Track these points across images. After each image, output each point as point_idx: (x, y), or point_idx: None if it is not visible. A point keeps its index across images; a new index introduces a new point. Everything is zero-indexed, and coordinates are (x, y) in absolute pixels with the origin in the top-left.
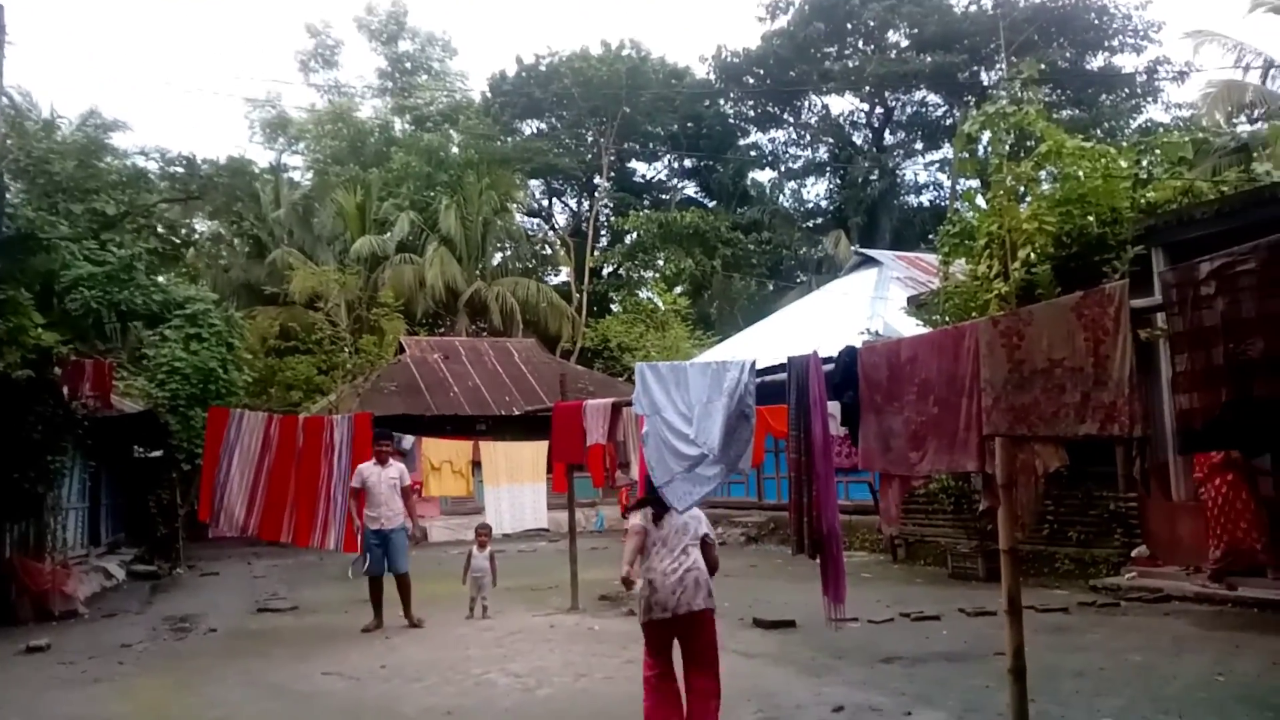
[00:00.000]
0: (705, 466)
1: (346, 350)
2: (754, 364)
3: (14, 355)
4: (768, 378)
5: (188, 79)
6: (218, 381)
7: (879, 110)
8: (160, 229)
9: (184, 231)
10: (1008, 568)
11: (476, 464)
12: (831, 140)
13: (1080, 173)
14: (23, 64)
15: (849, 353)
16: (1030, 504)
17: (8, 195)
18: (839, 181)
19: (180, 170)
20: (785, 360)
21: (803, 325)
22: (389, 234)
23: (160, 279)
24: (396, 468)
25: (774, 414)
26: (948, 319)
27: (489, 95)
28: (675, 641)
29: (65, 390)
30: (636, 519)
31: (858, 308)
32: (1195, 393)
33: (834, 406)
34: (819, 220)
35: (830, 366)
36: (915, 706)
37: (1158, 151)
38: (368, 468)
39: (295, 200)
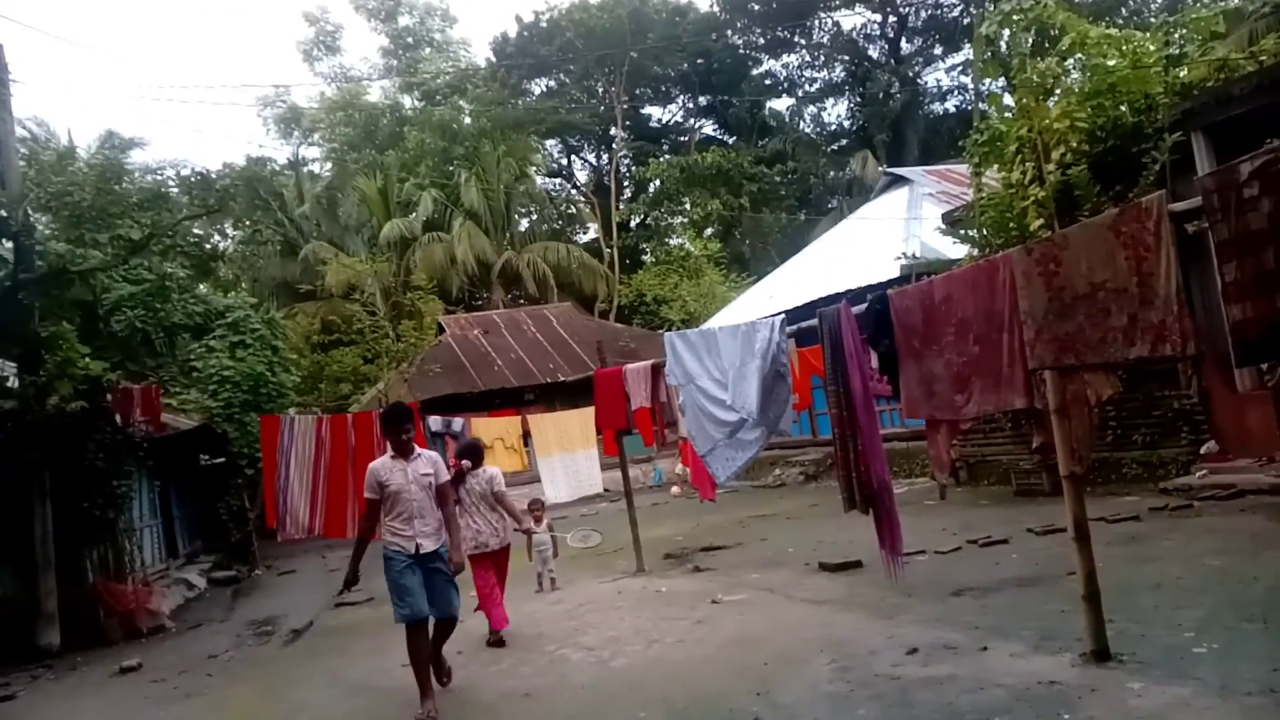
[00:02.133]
0: (746, 431)
1: (388, 337)
2: (783, 321)
3: (65, 388)
4: (803, 324)
5: (195, 86)
6: (267, 385)
7: (892, 19)
8: (186, 247)
9: (210, 245)
10: (1071, 493)
11: (527, 435)
12: (847, 58)
13: (1109, 62)
14: (35, 92)
15: (880, 300)
16: (1086, 435)
17: (37, 230)
18: (859, 99)
19: (195, 187)
20: (816, 313)
21: (840, 255)
22: (414, 215)
23: (200, 290)
24: (428, 459)
25: (814, 354)
26: (986, 233)
27: (494, 59)
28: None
29: (118, 417)
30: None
31: (893, 231)
32: (1248, 301)
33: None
34: (843, 142)
35: (861, 309)
36: (990, 640)
37: (1186, 28)
38: (383, 465)
39: (318, 193)
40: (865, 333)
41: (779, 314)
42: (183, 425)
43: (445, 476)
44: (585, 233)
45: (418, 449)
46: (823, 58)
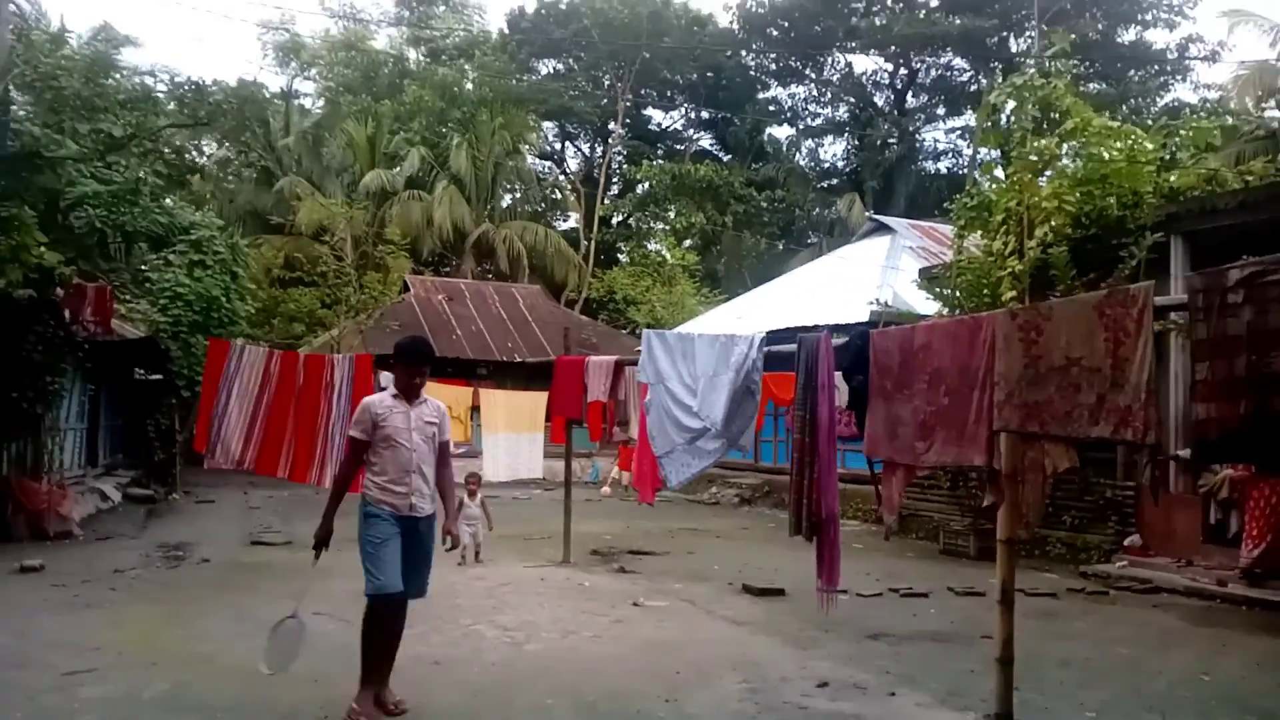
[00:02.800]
0: (707, 440)
1: (351, 285)
2: (763, 340)
3: (15, 274)
4: (773, 347)
5: None
6: (220, 310)
7: (903, 71)
8: (168, 153)
9: (190, 157)
10: (1004, 558)
11: (475, 409)
12: (853, 100)
13: (1105, 153)
14: None
15: (861, 336)
16: (1037, 503)
17: (13, 110)
18: (857, 143)
19: (187, 96)
20: (797, 339)
21: (812, 289)
22: (398, 169)
23: (167, 202)
24: (435, 407)
25: (776, 381)
26: (959, 295)
27: (506, 31)
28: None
29: (66, 313)
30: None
31: (868, 275)
32: (1214, 402)
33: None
34: (834, 181)
35: (841, 340)
36: (899, 686)
37: (1184, 133)
38: (380, 401)
39: (305, 129)
40: (841, 365)
41: (759, 334)
42: (129, 334)
43: (449, 433)
44: (565, 220)
45: (428, 398)
46: (829, 95)
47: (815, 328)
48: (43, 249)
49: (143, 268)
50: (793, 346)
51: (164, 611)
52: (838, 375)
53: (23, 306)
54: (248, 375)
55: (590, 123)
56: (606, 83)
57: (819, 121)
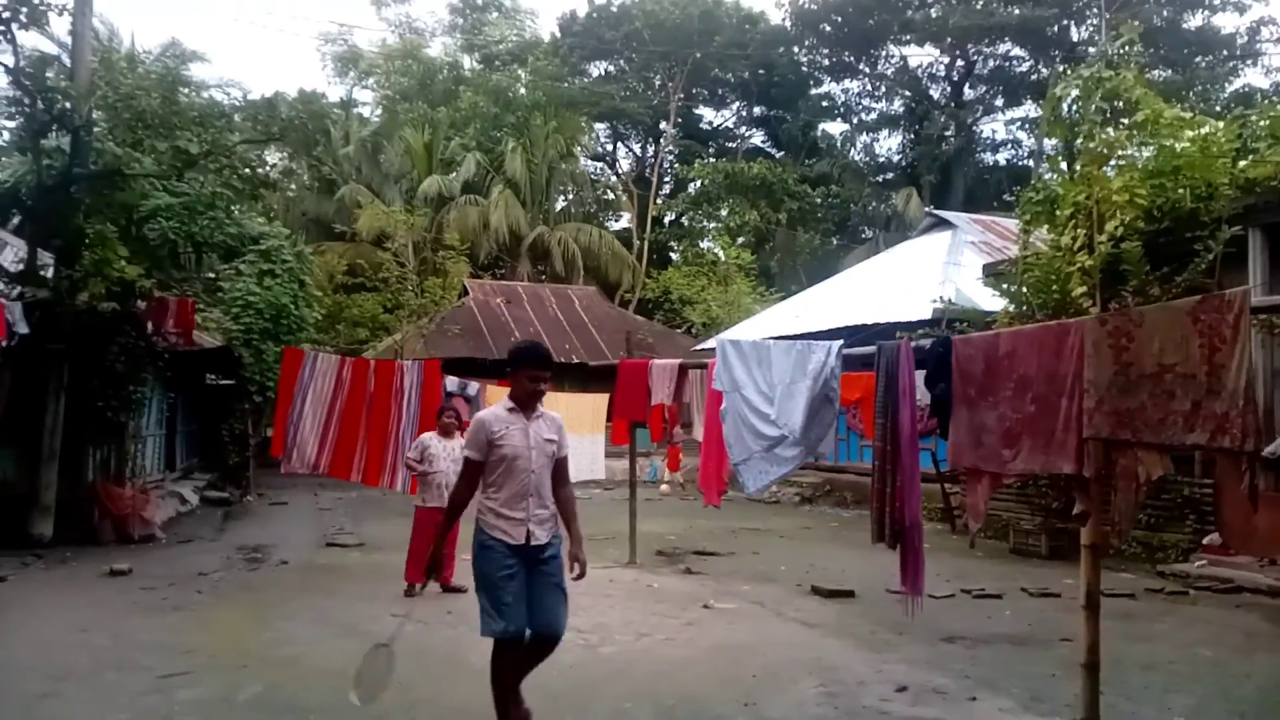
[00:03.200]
0: (785, 448)
1: (411, 290)
2: (841, 347)
3: (98, 287)
4: (848, 350)
5: (258, 13)
6: (289, 317)
7: (959, 63)
8: (243, 169)
9: (262, 171)
10: (1089, 563)
11: None
12: (908, 93)
13: (1177, 144)
14: None
15: (943, 343)
16: (1129, 510)
17: (95, 130)
18: (913, 137)
19: (260, 111)
20: (876, 346)
21: (870, 287)
22: (455, 174)
23: (235, 214)
24: (552, 421)
25: (850, 383)
26: (1026, 291)
27: (558, 35)
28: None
29: (150, 325)
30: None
31: (929, 272)
32: None
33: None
34: (890, 176)
35: (923, 346)
36: (980, 691)
37: (1260, 121)
38: (497, 417)
39: (364, 137)
40: (923, 371)
41: (837, 342)
42: (206, 343)
43: (568, 448)
44: (618, 221)
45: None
46: (884, 89)
47: (875, 326)
48: (124, 263)
49: (210, 275)
50: (868, 350)
51: (248, 614)
52: (918, 378)
53: (106, 319)
54: (321, 382)
55: (642, 123)
56: (658, 83)
57: (873, 116)
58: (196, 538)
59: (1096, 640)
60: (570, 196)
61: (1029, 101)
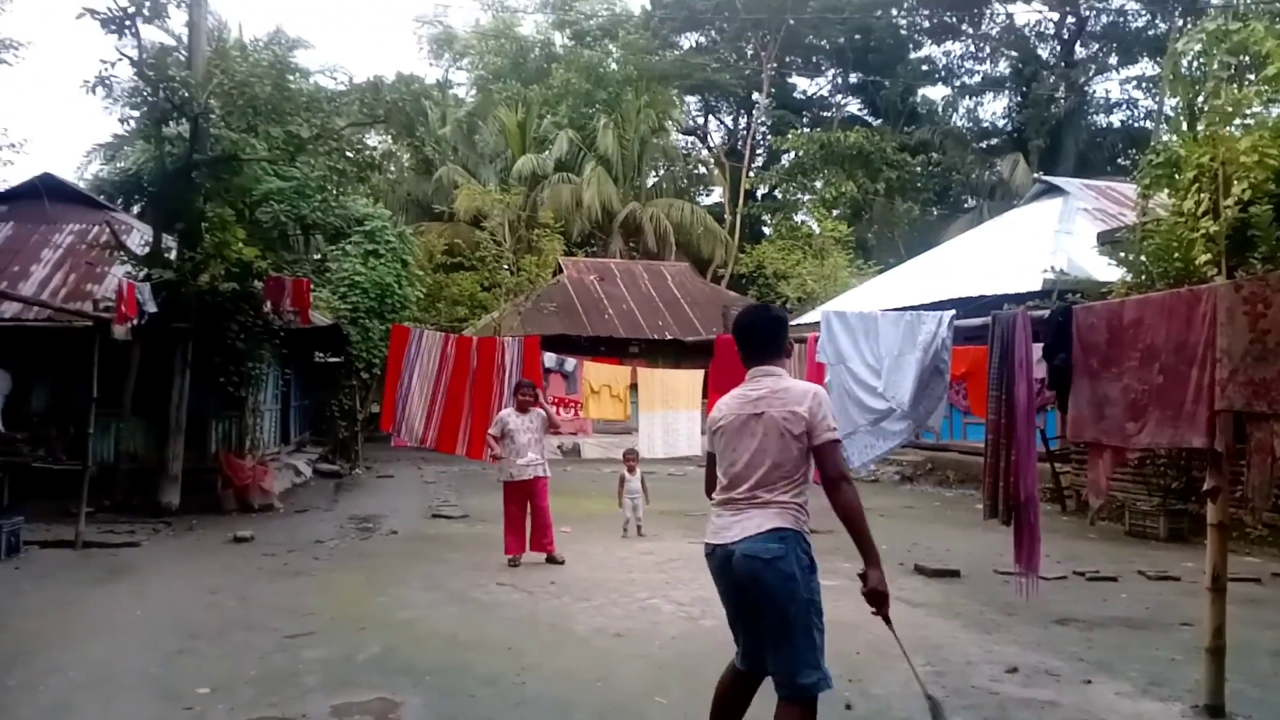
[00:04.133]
0: (892, 421)
1: (508, 268)
2: (953, 318)
3: (218, 269)
4: (959, 321)
5: None
6: (393, 296)
7: (1070, 20)
8: (350, 152)
9: (368, 154)
10: (1216, 543)
11: (633, 387)
12: (1014, 54)
13: None
14: None
15: (1062, 312)
16: (1264, 486)
17: (211, 116)
18: (1019, 99)
19: (366, 95)
20: (990, 315)
21: (974, 257)
22: (547, 152)
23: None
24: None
25: (960, 355)
26: (1145, 260)
27: (649, 8)
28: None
29: (268, 304)
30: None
31: (1038, 242)
32: None
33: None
34: (994, 141)
35: (1040, 315)
36: (1095, 674)
37: None
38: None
39: (460, 118)
40: (1041, 341)
41: (948, 312)
42: (318, 322)
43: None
44: (710, 195)
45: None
46: (988, 50)
47: (982, 299)
48: (241, 245)
49: (318, 256)
50: (979, 321)
51: (364, 579)
52: (1035, 350)
53: (226, 298)
54: (427, 359)
55: (734, 94)
56: (750, 53)
57: (977, 79)
58: (311, 508)
59: (1223, 624)
60: (662, 172)
61: (1146, 59)
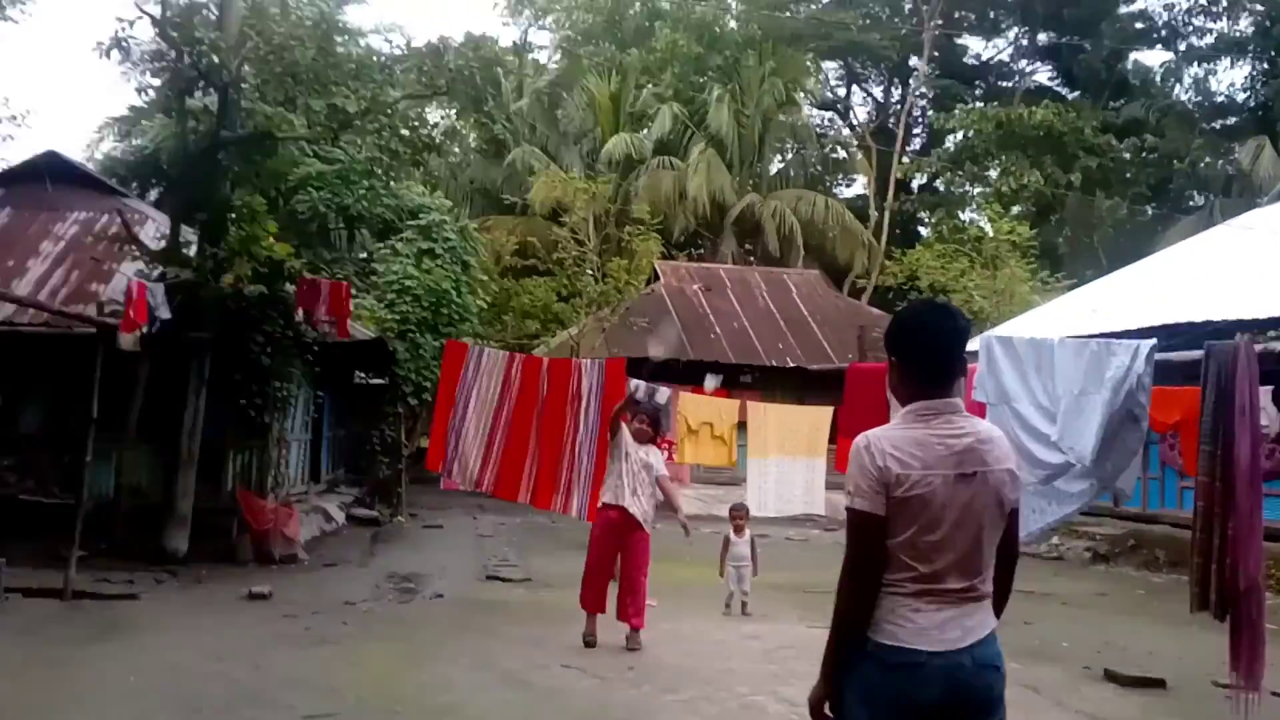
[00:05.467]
0: (1069, 480)
1: (592, 273)
2: (1153, 348)
3: (244, 268)
4: (1165, 354)
5: None
6: (450, 305)
7: None
8: (405, 130)
9: (425, 132)
10: None
11: (740, 425)
12: (1260, 7)
13: None
14: None
15: None
16: None
17: (243, 86)
18: (1266, 67)
19: (425, 61)
20: (1204, 347)
21: (1202, 272)
22: (646, 131)
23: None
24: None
25: (1155, 398)
26: None
27: None
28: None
29: (300, 311)
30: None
31: None
32: None
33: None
34: (1231, 121)
35: (1272, 345)
36: None
37: None
38: (905, 443)
39: (540, 88)
40: (1272, 384)
41: (1148, 341)
42: (359, 334)
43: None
44: (849, 185)
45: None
46: (1225, 3)
47: (1207, 326)
48: (272, 240)
49: (363, 256)
50: (1192, 355)
51: (400, 652)
52: (1264, 395)
53: (252, 304)
54: (486, 383)
55: (886, 60)
56: (908, 7)
57: (1209, 40)
58: (342, 561)
59: None
60: (789, 156)
61: None
